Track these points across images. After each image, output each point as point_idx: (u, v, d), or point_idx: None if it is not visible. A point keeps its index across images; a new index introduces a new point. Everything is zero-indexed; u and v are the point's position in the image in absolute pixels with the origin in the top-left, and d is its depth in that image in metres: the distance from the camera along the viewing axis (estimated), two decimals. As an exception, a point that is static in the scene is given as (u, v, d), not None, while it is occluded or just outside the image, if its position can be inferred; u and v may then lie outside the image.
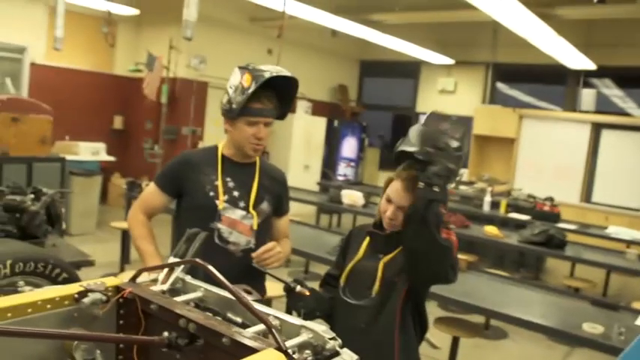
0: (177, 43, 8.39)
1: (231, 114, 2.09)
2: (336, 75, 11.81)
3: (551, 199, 7.01)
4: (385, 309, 1.83)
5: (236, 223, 2.16)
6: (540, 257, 7.21)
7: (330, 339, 1.08)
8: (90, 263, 2.77)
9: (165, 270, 1.39)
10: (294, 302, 1.87)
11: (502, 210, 7.06)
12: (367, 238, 1.96)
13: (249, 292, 1.26)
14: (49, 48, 7.55)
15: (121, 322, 1.31)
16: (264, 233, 2.24)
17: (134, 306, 1.27)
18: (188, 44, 8.39)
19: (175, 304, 1.22)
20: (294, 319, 1.16)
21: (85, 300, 1.19)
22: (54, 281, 1.65)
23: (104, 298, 1.21)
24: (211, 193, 2.15)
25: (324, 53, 11.13)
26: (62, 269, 1.70)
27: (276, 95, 2.14)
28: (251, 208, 2.18)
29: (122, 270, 5.20)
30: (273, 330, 1.04)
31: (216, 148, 2.28)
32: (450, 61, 10.28)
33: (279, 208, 2.35)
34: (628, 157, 8.88)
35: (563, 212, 6.83)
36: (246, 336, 1.07)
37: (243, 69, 2.10)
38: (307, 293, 1.83)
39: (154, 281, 1.41)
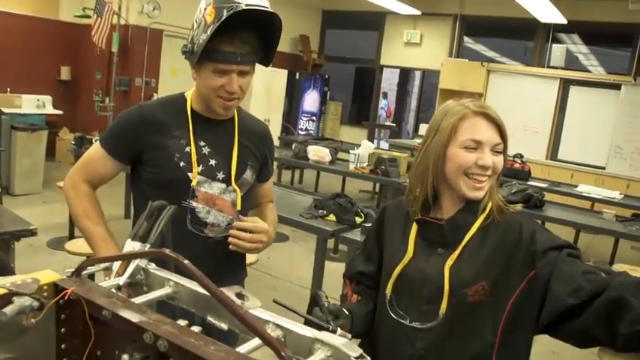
0: (129, -13, 7.77)
1: (192, 57, 1.59)
2: (297, 25, 11.25)
3: (520, 155, 6.85)
4: (458, 331, 1.33)
5: (214, 199, 1.71)
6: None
7: (357, 358, 0.77)
8: (31, 233, 2.39)
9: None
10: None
11: (471, 167, 6.88)
12: (414, 227, 1.43)
13: (242, 297, 0.93)
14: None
15: (63, 329, 0.97)
16: (248, 209, 1.82)
17: (80, 308, 0.94)
18: (140, -13, 7.79)
19: (137, 310, 0.88)
20: (303, 329, 0.84)
21: (8, 309, 0.83)
22: (-28, 272, 1.28)
23: (36, 304, 0.86)
24: (182, 164, 1.67)
25: (284, 2, 10.56)
26: (-17, 256, 1.32)
27: (258, 34, 1.61)
28: (233, 181, 1.73)
29: (72, 235, 4.77)
30: (283, 353, 0.72)
31: (183, 99, 1.75)
32: (416, 12, 9.90)
33: (264, 172, 1.89)
34: (595, 115, 8.80)
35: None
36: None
37: None
38: (349, 336, 1.30)
39: (107, 270, 1.08)
